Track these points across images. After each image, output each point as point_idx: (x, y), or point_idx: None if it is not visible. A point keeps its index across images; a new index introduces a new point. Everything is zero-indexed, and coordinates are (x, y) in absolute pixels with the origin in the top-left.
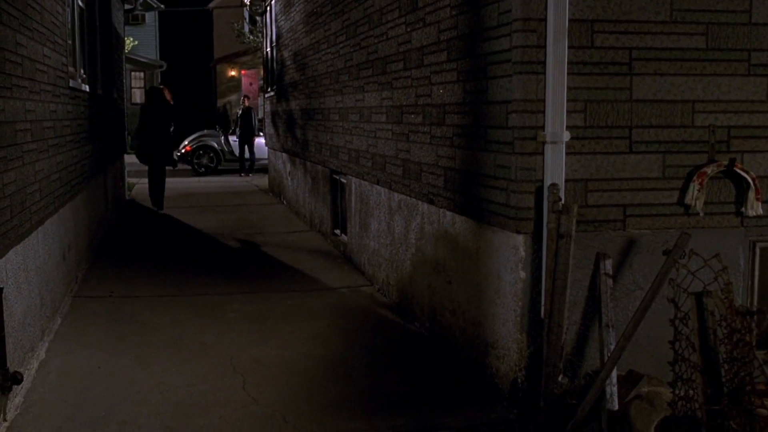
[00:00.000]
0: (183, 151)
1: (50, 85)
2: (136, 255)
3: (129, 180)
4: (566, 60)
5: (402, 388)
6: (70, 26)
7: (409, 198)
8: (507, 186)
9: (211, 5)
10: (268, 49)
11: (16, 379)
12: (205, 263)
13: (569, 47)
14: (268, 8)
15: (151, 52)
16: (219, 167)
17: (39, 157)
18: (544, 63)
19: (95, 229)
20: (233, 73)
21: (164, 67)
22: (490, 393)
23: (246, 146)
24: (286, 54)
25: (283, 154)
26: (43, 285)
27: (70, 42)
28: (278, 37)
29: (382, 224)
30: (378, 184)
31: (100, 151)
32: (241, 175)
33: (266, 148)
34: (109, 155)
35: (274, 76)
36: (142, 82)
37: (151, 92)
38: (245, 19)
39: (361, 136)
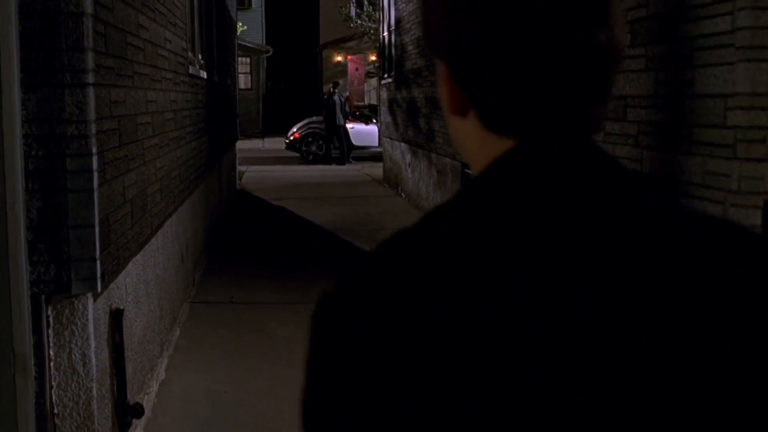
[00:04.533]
0: (291, 138)
1: (171, 72)
2: (253, 252)
3: (239, 168)
4: None
5: None
6: (188, 8)
7: None
8: (724, 198)
9: None
10: (386, 34)
11: (137, 411)
12: (328, 263)
13: None
14: None
15: (257, 37)
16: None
17: (160, 153)
18: None
19: (210, 225)
20: (339, 58)
21: (270, 53)
22: None
23: None
24: (407, 38)
25: (402, 144)
26: (162, 294)
27: (188, 25)
28: (398, 20)
29: None
30: None
31: (216, 141)
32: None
33: (372, 135)
34: (223, 144)
35: (392, 62)
36: (248, 67)
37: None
38: (352, 2)
39: None
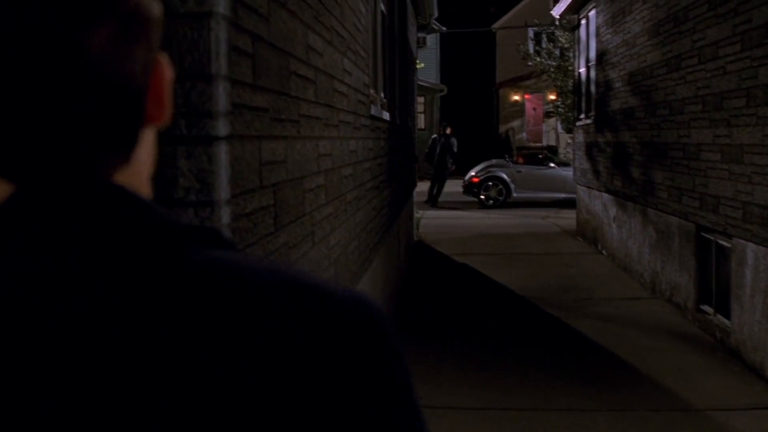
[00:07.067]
0: (469, 181)
1: (350, 113)
2: (436, 328)
3: (415, 215)
4: None
5: None
6: (371, 33)
7: None
8: None
9: (494, 26)
10: (582, 69)
11: None
12: (532, 348)
13: None
14: (584, 21)
15: (431, 76)
16: (508, 200)
17: (335, 224)
18: None
19: (390, 292)
20: (516, 97)
21: (444, 92)
22: None
23: None
24: (613, 74)
25: (604, 195)
26: None
27: (370, 54)
28: (601, 53)
29: None
30: None
31: (396, 193)
32: None
33: (553, 180)
34: (403, 195)
35: (590, 101)
36: (422, 106)
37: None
38: (531, 39)
39: None
